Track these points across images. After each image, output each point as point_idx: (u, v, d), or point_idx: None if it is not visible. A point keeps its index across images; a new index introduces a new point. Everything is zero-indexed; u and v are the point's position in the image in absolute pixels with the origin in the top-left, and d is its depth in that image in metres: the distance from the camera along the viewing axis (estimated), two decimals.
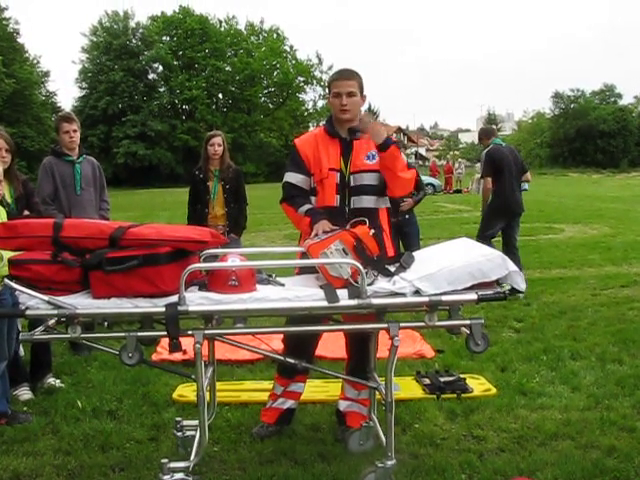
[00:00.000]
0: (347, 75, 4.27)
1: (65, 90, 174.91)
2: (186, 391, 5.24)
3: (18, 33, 52.01)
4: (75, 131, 6.31)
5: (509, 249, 8.55)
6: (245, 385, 5.45)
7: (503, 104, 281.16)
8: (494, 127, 10.25)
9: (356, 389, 4.44)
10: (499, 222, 8.81)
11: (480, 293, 3.49)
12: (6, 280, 3.44)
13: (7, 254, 4.20)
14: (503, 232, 8.94)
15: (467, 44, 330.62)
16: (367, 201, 4.27)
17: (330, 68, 67.43)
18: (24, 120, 47.35)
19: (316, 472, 3.92)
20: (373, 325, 3.77)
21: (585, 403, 4.91)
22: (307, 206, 4.24)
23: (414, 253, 3.92)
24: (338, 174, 4.27)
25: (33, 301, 3.34)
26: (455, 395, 5.08)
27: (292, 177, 4.38)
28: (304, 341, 4.31)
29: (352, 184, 4.26)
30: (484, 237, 8.38)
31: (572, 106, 69.54)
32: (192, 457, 3.62)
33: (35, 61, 55.13)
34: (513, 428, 4.53)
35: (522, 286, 3.59)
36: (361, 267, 3.39)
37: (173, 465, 3.50)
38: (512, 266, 3.55)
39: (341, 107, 4.23)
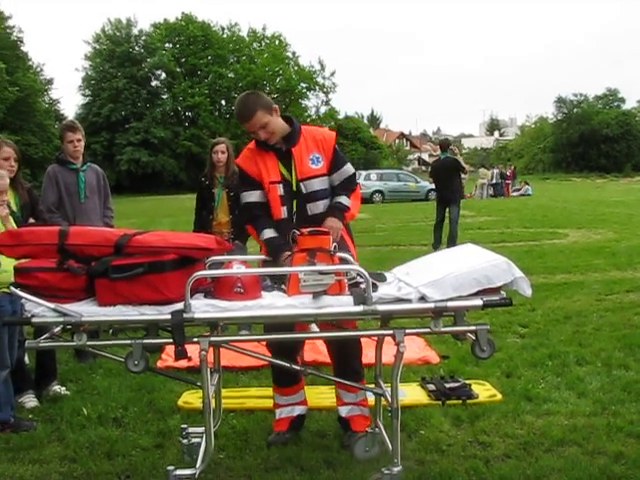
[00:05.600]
0: (246, 116, 4.23)
1: (68, 97, 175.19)
2: (191, 398, 5.23)
3: (22, 41, 52.00)
4: (79, 140, 6.32)
5: (450, 224, 13.09)
6: (250, 392, 5.44)
7: (506, 109, 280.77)
8: (447, 142, 15.11)
9: (351, 392, 4.41)
10: (440, 208, 13.55)
11: (485, 299, 3.48)
12: (12, 288, 3.45)
13: (6, 261, 4.23)
14: (448, 214, 13.25)
15: (469, 48, 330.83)
16: (323, 206, 4.31)
17: (333, 74, 67.52)
18: (28, 128, 47.35)
19: (322, 479, 3.92)
20: (379, 331, 3.77)
21: (591, 409, 4.89)
22: (266, 234, 4.26)
23: (420, 259, 3.93)
24: (281, 185, 4.27)
25: (39, 309, 3.35)
26: (460, 401, 5.07)
27: (248, 196, 4.38)
28: (289, 346, 4.30)
29: (304, 191, 4.27)
30: (437, 221, 13.51)
31: (575, 111, 69.49)
32: (198, 464, 3.62)
33: (38, 69, 55.14)
34: (519, 434, 4.52)
35: (528, 292, 3.58)
36: (366, 274, 3.40)
37: (179, 472, 3.50)
38: (518, 272, 3.54)
39: (264, 139, 4.27)
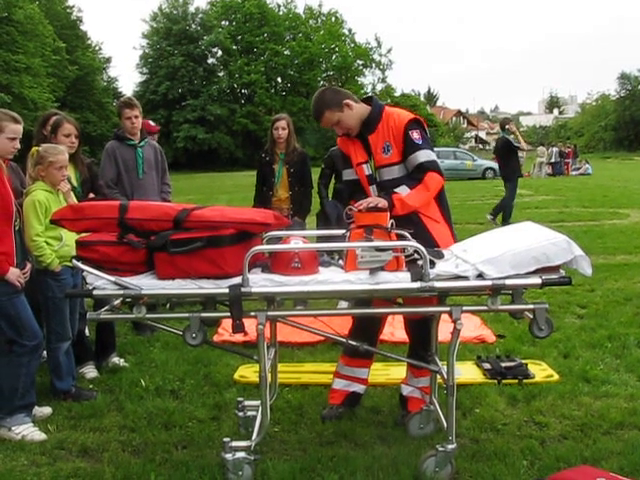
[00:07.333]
0: (316, 117, 4.31)
1: (126, 76, 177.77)
2: (247, 372, 5.30)
3: (81, 21, 53.05)
4: (137, 117, 6.39)
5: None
6: (305, 367, 5.49)
7: (566, 86, 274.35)
8: (506, 121, 14.87)
9: (415, 376, 4.41)
10: (505, 185, 14.06)
11: (544, 277, 3.43)
12: (74, 261, 3.53)
13: (68, 235, 4.33)
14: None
15: (528, 25, 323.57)
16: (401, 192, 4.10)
17: (389, 51, 67.20)
18: (87, 106, 48.29)
19: (376, 454, 3.93)
20: (436, 308, 3.75)
21: None
22: None
23: (478, 236, 3.88)
24: (366, 166, 4.28)
25: (100, 281, 3.42)
26: (516, 380, 5.02)
27: (346, 174, 4.47)
28: (370, 324, 4.32)
29: (378, 179, 4.25)
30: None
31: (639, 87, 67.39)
32: (253, 437, 3.67)
33: (97, 48, 56.08)
34: (576, 415, 4.46)
35: (588, 271, 3.51)
36: (424, 250, 3.37)
37: (235, 444, 3.56)
38: (578, 250, 3.48)
39: (341, 134, 4.34)
